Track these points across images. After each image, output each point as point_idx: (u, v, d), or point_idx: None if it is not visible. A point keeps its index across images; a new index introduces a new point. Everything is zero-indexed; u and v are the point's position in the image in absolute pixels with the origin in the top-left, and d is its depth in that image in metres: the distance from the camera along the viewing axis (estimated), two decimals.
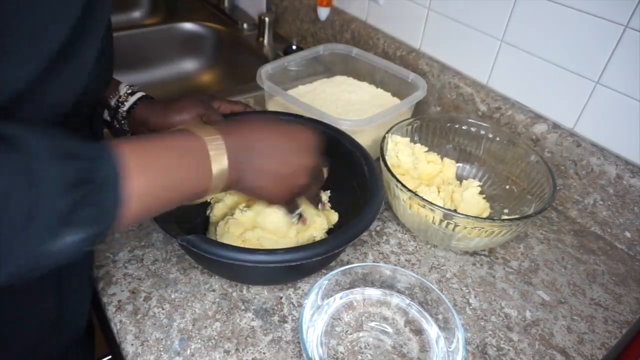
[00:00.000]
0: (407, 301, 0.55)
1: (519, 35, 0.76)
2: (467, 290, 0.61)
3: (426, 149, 0.75)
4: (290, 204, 0.55)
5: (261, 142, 0.46)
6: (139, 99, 0.62)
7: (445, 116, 0.81)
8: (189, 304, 0.56)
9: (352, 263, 0.63)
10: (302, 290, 0.58)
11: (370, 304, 0.55)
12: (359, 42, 1.03)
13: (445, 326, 0.52)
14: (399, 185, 0.61)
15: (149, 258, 0.61)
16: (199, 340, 0.52)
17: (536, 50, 0.75)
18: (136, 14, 1.45)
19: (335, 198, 0.67)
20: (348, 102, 0.84)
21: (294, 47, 1.11)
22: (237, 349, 0.51)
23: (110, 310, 0.54)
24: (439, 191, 0.70)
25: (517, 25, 0.76)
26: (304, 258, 0.49)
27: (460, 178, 0.76)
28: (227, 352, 0.51)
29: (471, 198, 0.68)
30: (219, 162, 0.41)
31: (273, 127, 0.48)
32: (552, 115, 0.77)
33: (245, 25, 1.26)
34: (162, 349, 0.51)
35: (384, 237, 0.67)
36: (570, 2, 0.68)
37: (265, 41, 1.21)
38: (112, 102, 0.62)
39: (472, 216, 0.58)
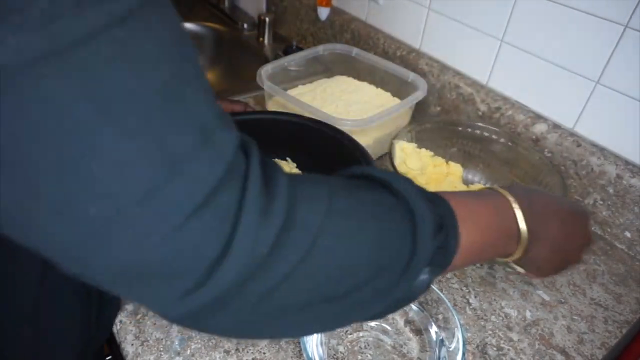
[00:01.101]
0: None
1: (519, 35, 0.76)
2: (467, 290, 0.61)
3: (432, 153, 0.74)
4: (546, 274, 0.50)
5: (553, 214, 0.44)
6: None
7: (448, 119, 0.81)
8: None
9: None
10: None
11: None
12: (359, 42, 1.03)
13: (445, 326, 0.52)
14: None
15: None
16: (199, 340, 0.52)
17: (536, 50, 0.75)
18: None
19: None
20: (348, 102, 0.84)
21: (294, 47, 1.12)
22: (237, 349, 0.51)
23: None
24: None
25: (517, 25, 0.76)
26: None
27: (466, 181, 0.75)
28: (227, 352, 0.51)
29: None
30: (521, 223, 0.40)
31: (557, 202, 0.46)
32: (552, 115, 0.77)
33: (245, 25, 1.26)
34: (162, 349, 0.51)
35: None
36: (570, 2, 0.68)
37: (265, 41, 1.21)
38: None
39: None
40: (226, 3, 1.33)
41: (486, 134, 0.74)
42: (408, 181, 0.33)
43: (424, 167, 0.72)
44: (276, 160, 0.71)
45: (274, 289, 0.26)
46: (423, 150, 0.74)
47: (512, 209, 0.40)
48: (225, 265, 0.23)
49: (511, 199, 0.40)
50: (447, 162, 0.75)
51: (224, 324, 0.27)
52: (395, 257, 0.30)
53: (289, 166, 0.70)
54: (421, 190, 0.33)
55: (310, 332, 0.34)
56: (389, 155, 0.67)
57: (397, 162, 0.70)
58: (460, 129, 0.75)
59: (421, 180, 0.72)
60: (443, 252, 0.33)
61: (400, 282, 0.31)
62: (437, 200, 0.34)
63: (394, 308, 0.33)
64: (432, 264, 0.32)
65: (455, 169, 0.75)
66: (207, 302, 0.24)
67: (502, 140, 0.73)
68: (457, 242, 0.34)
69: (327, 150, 0.67)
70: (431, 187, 0.71)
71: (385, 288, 0.30)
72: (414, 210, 0.31)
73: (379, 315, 0.33)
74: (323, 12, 1.09)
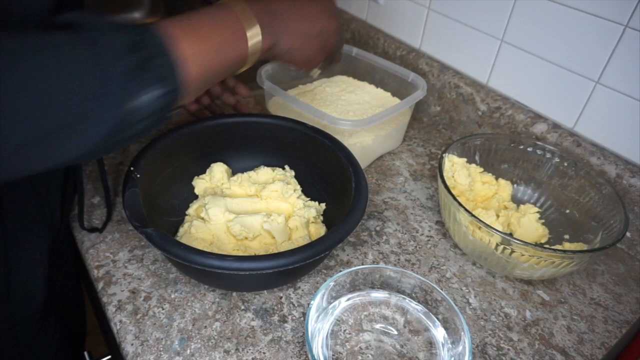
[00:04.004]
0: (414, 304, 0.55)
1: (519, 35, 0.76)
2: (467, 290, 0.61)
3: (481, 169, 0.72)
4: (323, 66, 0.60)
5: (288, 8, 0.50)
6: None
7: (506, 135, 0.76)
8: (189, 303, 0.56)
9: (352, 263, 0.63)
10: (302, 290, 0.58)
11: (376, 305, 0.55)
12: (359, 42, 1.03)
13: (448, 327, 0.52)
14: (461, 209, 0.58)
15: (149, 258, 0.61)
16: (199, 340, 0.52)
17: (536, 50, 0.75)
18: (136, 14, 1.45)
19: (327, 212, 0.66)
20: (348, 102, 0.84)
21: None
22: (237, 349, 0.51)
23: (110, 310, 0.54)
24: (497, 216, 0.67)
25: (517, 25, 0.76)
26: (264, 267, 0.47)
27: (516, 200, 0.72)
28: (227, 352, 0.51)
29: (529, 224, 0.66)
30: (251, 27, 0.46)
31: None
32: (552, 115, 0.77)
33: None
34: (162, 348, 0.51)
35: (384, 237, 0.67)
36: (570, 2, 0.68)
37: None
38: None
39: (531, 243, 0.55)
40: None
41: (539, 151, 0.71)
42: (103, 20, 0.35)
43: (472, 182, 0.70)
44: (272, 168, 0.69)
45: None
46: (473, 165, 0.71)
47: (237, 17, 0.45)
48: None
49: (237, 8, 0.46)
50: (496, 179, 0.72)
51: None
52: (93, 81, 0.33)
53: (287, 174, 0.69)
54: (116, 24, 0.36)
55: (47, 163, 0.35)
56: (438, 167, 0.65)
57: (446, 175, 0.67)
58: (513, 145, 0.72)
59: (468, 196, 0.69)
60: (159, 61, 0.37)
61: (114, 103, 0.34)
62: (137, 28, 0.37)
63: (132, 127, 0.36)
64: (150, 77, 0.36)
65: (505, 186, 0.72)
66: None
67: (565, 163, 0.69)
68: (171, 56, 0.38)
69: (324, 162, 0.66)
70: (479, 205, 0.68)
71: (97, 111, 0.33)
72: (100, 38, 0.34)
73: (121, 136, 0.36)
74: None
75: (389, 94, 0.87)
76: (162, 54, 0.37)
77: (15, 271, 0.55)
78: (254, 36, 0.46)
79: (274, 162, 0.70)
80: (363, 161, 0.75)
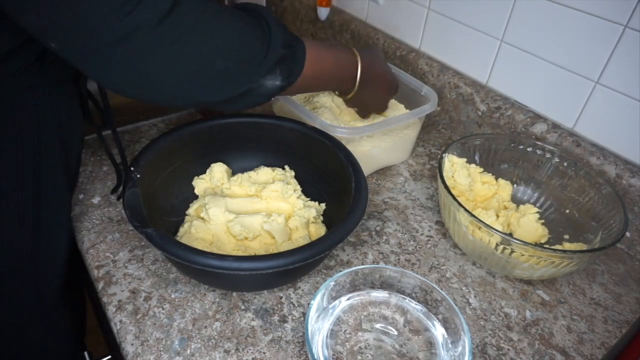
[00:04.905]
0: (414, 304, 0.55)
1: (519, 35, 0.76)
2: (467, 290, 0.61)
3: (481, 169, 0.72)
4: (366, 115, 0.76)
5: (381, 78, 0.66)
6: None
7: (506, 135, 0.76)
8: (189, 303, 0.56)
9: (352, 263, 0.63)
10: (302, 290, 0.58)
11: (376, 305, 0.55)
12: (359, 42, 1.03)
13: (451, 329, 0.51)
14: (461, 209, 0.58)
15: (149, 258, 0.61)
16: (199, 340, 0.52)
17: (536, 50, 0.75)
18: None
19: (327, 212, 0.66)
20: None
21: None
22: (237, 349, 0.52)
23: (110, 310, 0.54)
24: (497, 216, 0.67)
25: (517, 25, 0.76)
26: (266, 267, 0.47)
27: (516, 200, 0.72)
28: (227, 351, 0.51)
29: (528, 224, 0.66)
30: (358, 77, 0.60)
31: (387, 72, 0.68)
32: (552, 115, 0.77)
33: None
34: (162, 348, 0.51)
35: (384, 237, 0.67)
36: (570, 2, 0.68)
37: None
38: None
39: (531, 243, 0.55)
40: (226, 2, 1.33)
41: (539, 151, 0.70)
42: (275, 18, 0.47)
43: (472, 182, 0.70)
44: (272, 168, 0.69)
45: (172, 41, 0.39)
46: (472, 166, 0.71)
47: (355, 64, 0.60)
48: (143, 4, 0.37)
49: (358, 58, 0.60)
50: (496, 180, 0.72)
51: (145, 50, 0.38)
52: (250, 52, 0.44)
53: (287, 174, 0.69)
54: (282, 24, 0.47)
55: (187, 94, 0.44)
56: (438, 167, 0.65)
57: (446, 175, 0.67)
58: (513, 145, 0.72)
59: (468, 196, 0.69)
60: (291, 64, 0.48)
61: (254, 72, 0.45)
62: (293, 35, 0.49)
63: (249, 98, 0.46)
64: (282, 70, 0.47)
65: (505, 186, 0.72)
66: (136, 25, 0.37)
67: (565, 163, 0.69)
68: (303, 62, 0.49)
69: (323, 160, 0.66)
70: (478, 205, 0.69)
71: (242, 73, 0.44)
72: (270, 27, 0.45)
73: (239, 100, 0.46)
74: (323, 12, 1.09)
75: (402, 106, 0.82)
76: (299, 60, 0.49)
77: (43, 234, 0.57)
78: (355, 86, 0.61)
79: (274, 162, 0.70)
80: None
